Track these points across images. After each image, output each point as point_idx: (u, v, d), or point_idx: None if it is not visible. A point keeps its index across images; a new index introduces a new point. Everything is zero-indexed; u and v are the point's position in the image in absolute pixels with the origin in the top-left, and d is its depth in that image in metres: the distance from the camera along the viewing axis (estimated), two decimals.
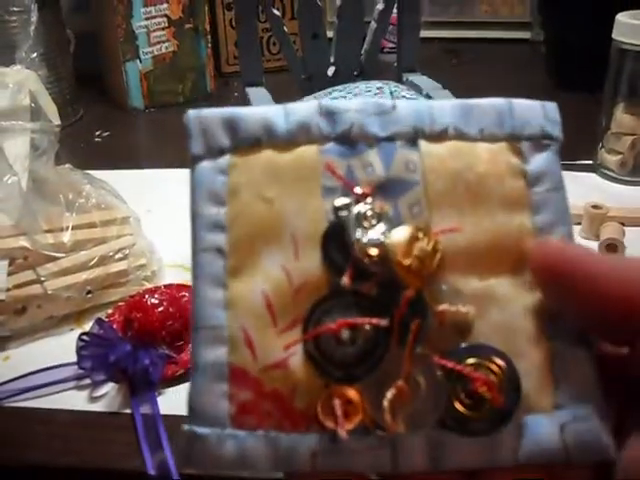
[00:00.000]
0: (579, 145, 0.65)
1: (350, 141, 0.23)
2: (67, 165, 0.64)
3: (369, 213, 0.22)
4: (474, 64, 1.13)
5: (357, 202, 0.23)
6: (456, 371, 0.22)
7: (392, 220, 0.22)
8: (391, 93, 0.61)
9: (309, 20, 0.66)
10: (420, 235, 0.22)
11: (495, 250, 0.23)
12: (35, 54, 0.67)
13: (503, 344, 0.22)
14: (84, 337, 0.51)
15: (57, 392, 0.49)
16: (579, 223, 0.63)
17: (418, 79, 0.69)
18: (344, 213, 0.22)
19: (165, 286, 0.57)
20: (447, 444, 0.22)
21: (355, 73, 0.72)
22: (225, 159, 0.23)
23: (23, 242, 0.55)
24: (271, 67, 1.10)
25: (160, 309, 0.51)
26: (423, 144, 0.23)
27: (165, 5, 0.98)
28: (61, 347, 0.53)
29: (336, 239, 0.22)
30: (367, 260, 0.22)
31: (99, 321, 0.52)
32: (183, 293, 0.56)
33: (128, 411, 0.48)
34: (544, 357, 0.22)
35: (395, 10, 0.70)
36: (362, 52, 0.71)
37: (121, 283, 0.58)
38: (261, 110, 0.24)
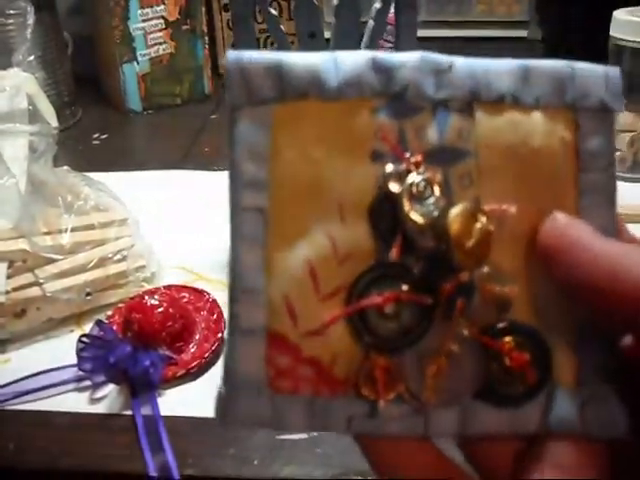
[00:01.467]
0: None
1: (404, 102, 0.22)
2: (65, 167, 0.64)
3: (422, 184, 0.21)
4: None
5: (408, 171, 0.21)
6: (494, 348, 0.22)
7: (444, 192, 0.21)
8: None
9: (306, 19, 0.66)
10: (479, 215, 0.21)
11: (537, 231, 0.22)
12: (32, 57, 0.66)
13: (537, 319, 0.22)
14: (84, 339, 0.50)
15: (57, 394, 0.49)
16: None
17: None
18: (394, 181, 0.21)
19: (165, 287, 0.57)
20: (477, 413, 0.22)
21: None
22: (268, 112, 0.22)
23: (22, 245, 0.55)
24: None
25: (160, 310, 0.51)
26: (478, 111, 0.22)
27: (162, 7, 0.98)
28: (61, 349, 0.53)
29: (385, 209, 0.21)
30: (418, 234, 0.21)
31: (99, 323, 0.52)
32: (183, 294, 0.57)
33: (129, 413, 0.48)
34: (572, 335, 0.23)
35: (392, 10, 0.70)
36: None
37: (120, 285, 0.58)
38: (309, 59, 0.22)
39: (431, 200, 0.21)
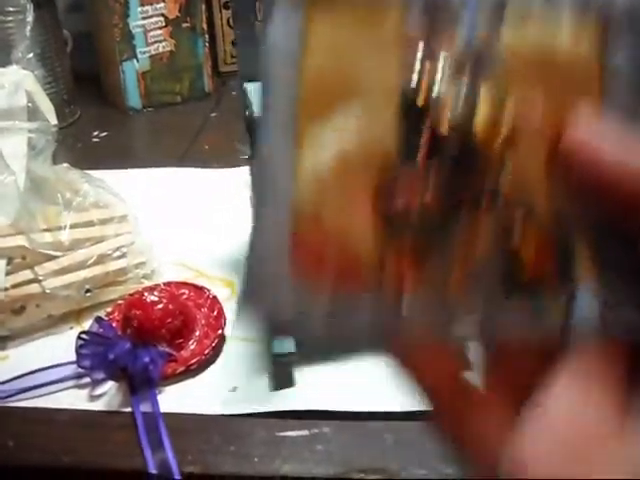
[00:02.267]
0: None
1: (434, 5, 0.22)
2: (65, 165, 0.64)
3: (450, 85, 0.22)
4: None
5: (437, 72, 0.22)
6: (517, 250, 0.22)
7: (471, 93, 0.22)
8: None
9: None
10: (505, 119, 0.22)
11: (562, 130, 0.23)
12: (32, 54, 0.66)
13: (559, 222, 0.23)
14: (83, 336, 0.50)
15: (56, 391, 0.49)
16: None
17: None
18: (422, 83, 0.22)
19: (164, 284, 0.57)
20: (500, 315, 0.23)
21: None
22: (301, 7, 0.22)
23: (21, 241, 0.54)
24: None
25: (159, 306, 0.51)
26: (509, 14, 0.23)
27: (162, 4, 0.98)
28: (60, 346, 0.53)
29: (412, 111, 0.22)
30: (445, 137, 0.22)
31: (98, 319, 0.52)
32: (183, 291, 0.56)
33: (128, 410, 0.47)
34: (593, 237, 0.23)
35: None
36: None
37: (120, 281, 0.57)
38: None
39: (459, 101, 0.22)
